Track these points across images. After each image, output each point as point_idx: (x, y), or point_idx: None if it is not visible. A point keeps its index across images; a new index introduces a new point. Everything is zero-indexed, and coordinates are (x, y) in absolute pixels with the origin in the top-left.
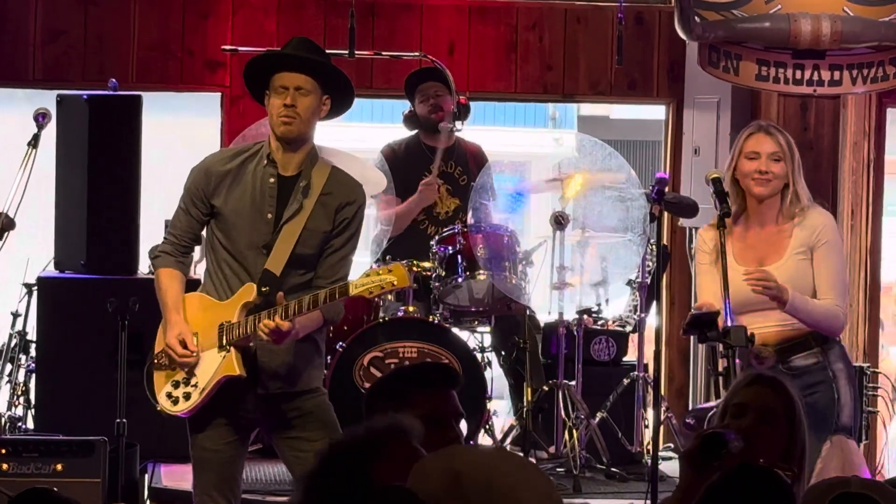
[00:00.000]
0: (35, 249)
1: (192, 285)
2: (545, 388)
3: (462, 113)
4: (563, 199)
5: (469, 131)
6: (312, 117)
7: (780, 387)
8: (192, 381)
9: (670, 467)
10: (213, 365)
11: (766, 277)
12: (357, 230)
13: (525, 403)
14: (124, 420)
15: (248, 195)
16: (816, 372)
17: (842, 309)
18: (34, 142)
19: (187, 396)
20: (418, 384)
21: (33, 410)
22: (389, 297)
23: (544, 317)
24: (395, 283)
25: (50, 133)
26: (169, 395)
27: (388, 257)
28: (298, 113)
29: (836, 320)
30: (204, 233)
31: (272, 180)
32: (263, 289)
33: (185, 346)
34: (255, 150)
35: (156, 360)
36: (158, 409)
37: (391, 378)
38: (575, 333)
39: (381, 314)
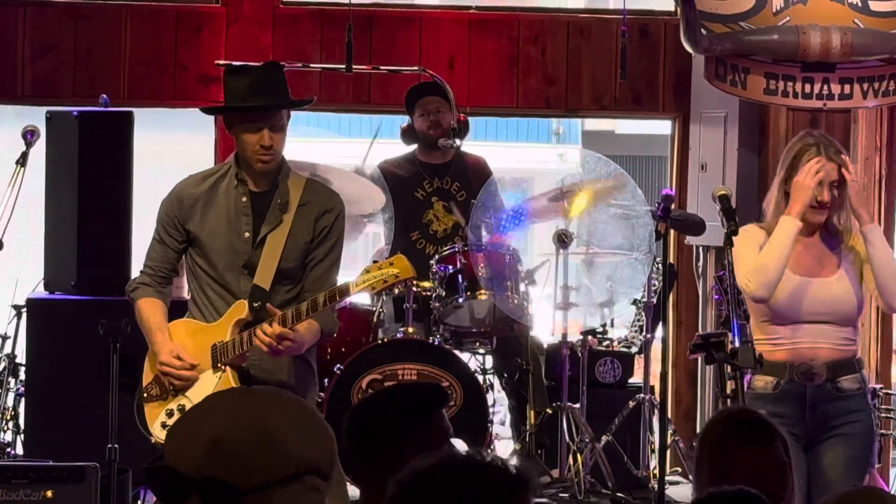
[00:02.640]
0: (24, 270)
1: (180, 307)
2: (548, 410)
3: (461, 130)
4: (566, 216)
5: (470, 147)
6: (285, 142)
7: (782, 440)
8: (188, 407)
9: (677, 492)
10: (209, 387)
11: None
12: (339, 239)
13: (528, 427)
14: (116, 445)
15: (222, 217)
16: (859, 398)
17: None
18: (23, 159)
19: None
20: (407, 415)
21: (23, 435)
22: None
23: (547, 338)
24: (399, 274)
25: (39, 150)
26: (164, 425)
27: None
28: (276, 150)
29: None
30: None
31: (244, 199)
32: (255, 304)
33: (180, 360)
34: (225, 171)
35: (145, 394)
36: (153, 441)
37: (375, 412)
38: (579, 355)
39: (380, 335)
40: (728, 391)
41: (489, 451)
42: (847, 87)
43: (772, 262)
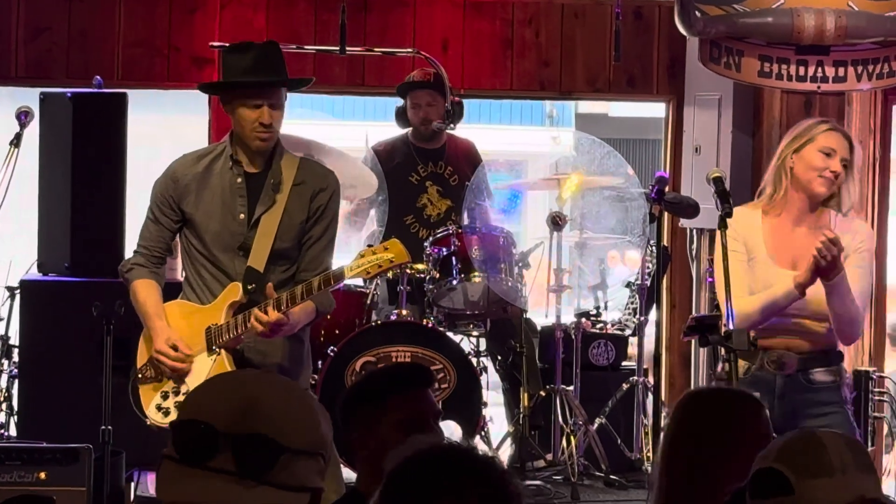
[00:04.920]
0: (18, 251)
1: (174, 289)
2: (542, 393)
3: (456, 113)
4: (560, 199)
5: (464, 129)
6: (282, 122)
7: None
8: (183, 390)
9: None
10: (204, 370)
11: (835, 243)
12: (334, 218)
13: (521, 409)
14: (110, 427)
15: (217, 198)
16: (832, 391)
17: (862, 319)
18: (16, 141)
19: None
20: (394, 388)
21: (16, 417)
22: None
23: (541, 320)
24: (393, 259)
25: (33, 132)
26: (159, 408)
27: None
28: (274, 128)
29: (857, 326)
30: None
31: (239, 180)
32: (249, 286)
33: (176, 350)
34: (220, 151)
35: (140, 375)
36: (148, 423)
37: (365, 383)
38: (573, 337)
39: (374, 317)
40: (722, 373)
41: (482, 433)
42: (841, 70)
43: (758, 316)
